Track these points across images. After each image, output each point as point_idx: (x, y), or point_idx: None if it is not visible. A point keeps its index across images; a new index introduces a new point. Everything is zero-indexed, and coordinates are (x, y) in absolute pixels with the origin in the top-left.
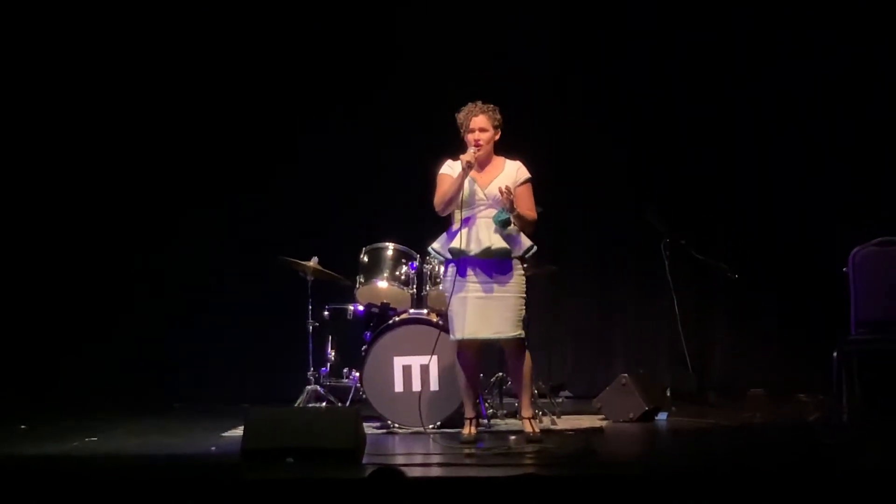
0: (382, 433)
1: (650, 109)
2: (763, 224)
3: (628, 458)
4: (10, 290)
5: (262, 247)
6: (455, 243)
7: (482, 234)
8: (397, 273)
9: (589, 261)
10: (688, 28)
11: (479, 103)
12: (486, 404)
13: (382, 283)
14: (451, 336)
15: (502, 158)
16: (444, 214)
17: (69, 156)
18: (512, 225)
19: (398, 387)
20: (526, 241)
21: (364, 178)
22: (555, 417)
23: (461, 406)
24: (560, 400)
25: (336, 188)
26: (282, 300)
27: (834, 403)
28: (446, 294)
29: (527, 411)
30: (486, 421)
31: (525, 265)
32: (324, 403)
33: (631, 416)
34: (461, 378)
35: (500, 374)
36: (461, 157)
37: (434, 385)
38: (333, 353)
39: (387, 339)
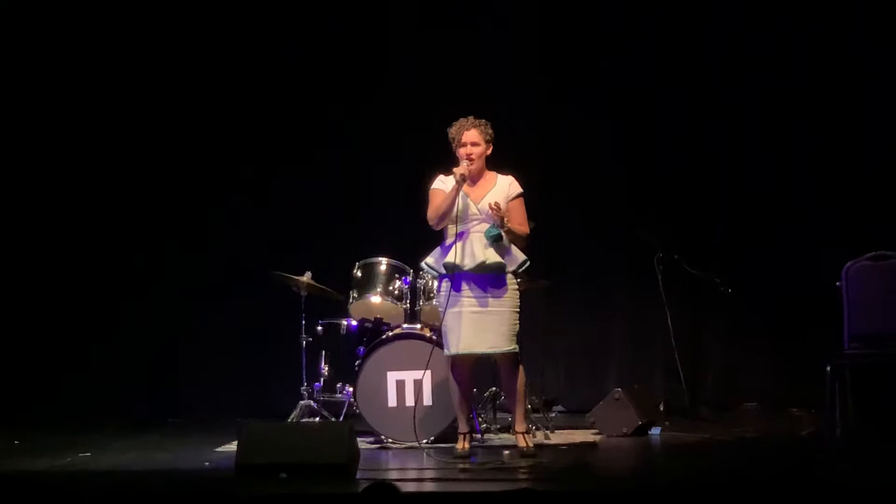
0: (376, 448)
1: (644, 124)
2: (756, 238)
3: (622, 473)
4: (3, 304)
5: (255, 262)
6: (449, 258)
7: (476, 249)
8: (391, 288)
9: (582, 275)
10: (682, 43)
11: (471, 118)
12: (480, 419)
13: (376, 298)
14: (446, 351)
15: (494, 173)
16: (438, 228)
17: (65, 169)
18: (504, 240)
19: (392, 402)
20: (520, 256)
21: (358, 192)
22: (548, 432)
23: (455, 421)
24: (553, 414)
25: (330, 203)
26: (275, 315)
27: (827, 418)
28: (440, 309)
29: (521, 426)
30: (479, 436)
31: (519, 280)
32: (317, 418)
33: (625, 430)
34: (455, 393)
35: (494, 388)
36: (454, 170)
37: (428, 400)
38: (327, 368)
39: (380, 354)
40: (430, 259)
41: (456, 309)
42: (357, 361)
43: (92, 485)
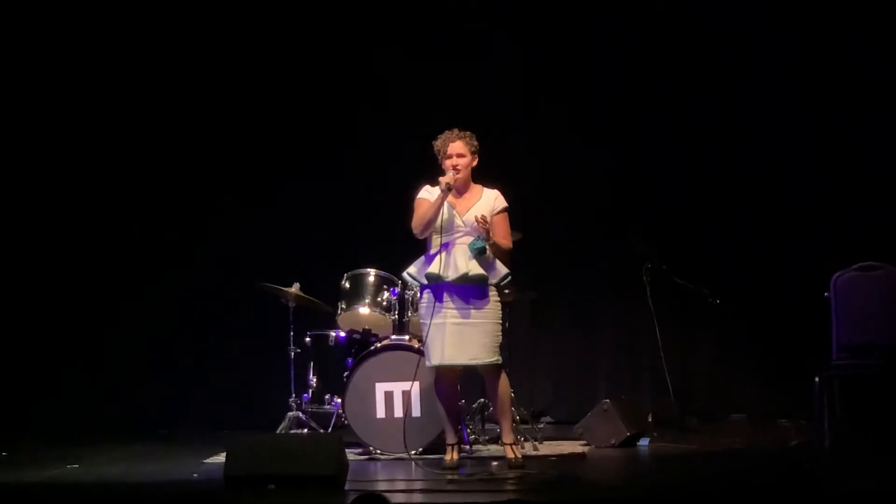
0: (364, 459)
1: (632, 136)
2: (744, 248)
3: (610, 484)
4: None
5: (244, 273)
6: (432, 269)
7: (459, 261)
8: (379, 299)
9: (570, 286)
10: (670, 55)
11: (456, 130)
12: (469, 430)
13: (364, 310)
14: (427, 362)
15: (480, 186)
16: (422, 237)
17: (57, 178)
18: (487, 253)
19: (380, 413)
20: (502, 269)
21: (346, 204)
22: (536, 443)
23: (443, 432)
24: (542, 425)
25: (318, 214)
26: (263, 326)
27: (816, 428)
28: (422, 321)
29: (508, 437)
30: (468, 447)
31: (507, 290)
32: (306, 430)
33: (613, 441)
34: (440, 404)
35: (483, 400)
36: (440, 179)
37: (416, 411)
38: (315, 380)
39: (369, 366)
40: (412, 269)
41: (439, 320)
42: (345, 373)
43: (80, 497)
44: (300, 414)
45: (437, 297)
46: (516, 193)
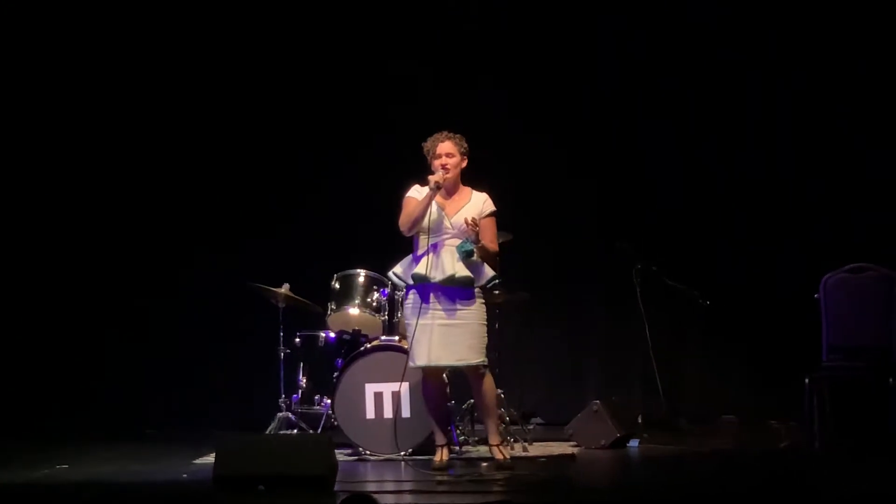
0: (354, 460)
1: (620, 137)
2: (734, 250)
3: (600, 486)
4: None
5: (233, 273)
6: (419, 269)
7: (446, 262)
8: (369, 300)
9: (560, 287)
10: (670, 55)
11: (445, 132)
12: (458, 431)
13: (354, 310)
14: (412, 363)
15: (469, 189)
16: (409, 234)
17: (51, 182)
18: (475, 256)
19: (370, 413)
20: (489, 272)
21: (335, 204)
22: (526, 444)
23: (433, 433)
24: (531, 427)
25: (307, 214)
26: (253, 327)
27: (806, 430)
28: (407, 321)
29: (494, 438)
30: (457, 448)
31: (496, 291)
32: (295, 430)
33: (602, 442)
34: (427, 405)
35: (472, 400)
36: (429, 177)
37: (406, 412)
38: (305, 380)
39: (358, 366)
40: (398, 268)
41: (425, 321)
42: (335, 373)
43: (69, 497)
44: (290, 414)
45: (423, 298)
46: (507, 194)
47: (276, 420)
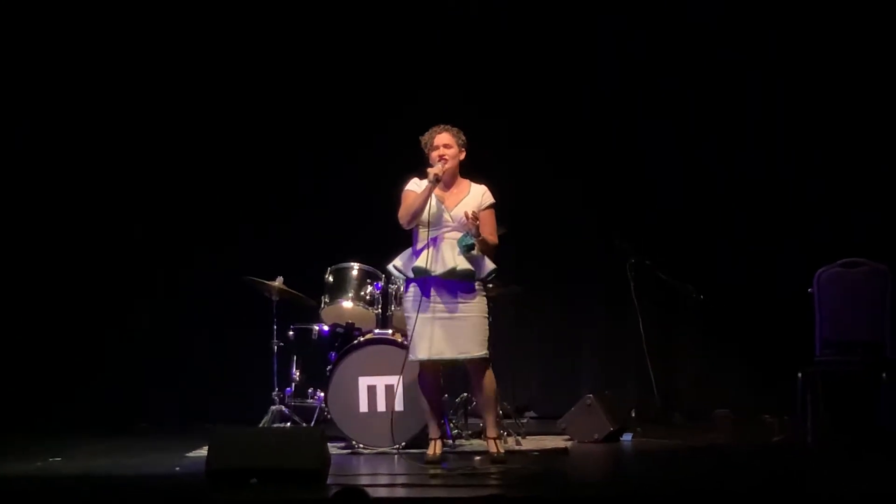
0: (347, 453)
1: (620, 137)
2: (728, 244)
3: (593, 479)
4: None
5: (227, 266)
6: (420, 263)
7: (447, 256)
8: (362, 293)
9: (554, 281)
10: (670, 55)
11: (443, 125)
12: (451, 424)
13: (347, 303)
14: (413, 356)
15: (468, 181)
16: (409, 227)
17: (50, 180)
18: (476, 250)
19: (363, 407)
20: (489, 264)
21: (330, 197)
22: (519, 438)
23: (426, 426)
24: (525, 420)
25: (301, 208)
26: (247, 320)
27: (799, 424)
28: (407, 315)
29: (492, 431)
30: (450, 441)
31: (490, 285)
32: (288, 424)
33: (596, 436)
34: (424, 398)
35: (466, 394)
36: (428, 170)
37: (399, 405)
38: (298, 374)
39: (352, 360)
40: (397, 262)
41: (426, 315)
42: (328, 367)
43: (62, 490)
44: (283, 408)
45: (424, 292)
46: (505, 191)
47: (270, 413)
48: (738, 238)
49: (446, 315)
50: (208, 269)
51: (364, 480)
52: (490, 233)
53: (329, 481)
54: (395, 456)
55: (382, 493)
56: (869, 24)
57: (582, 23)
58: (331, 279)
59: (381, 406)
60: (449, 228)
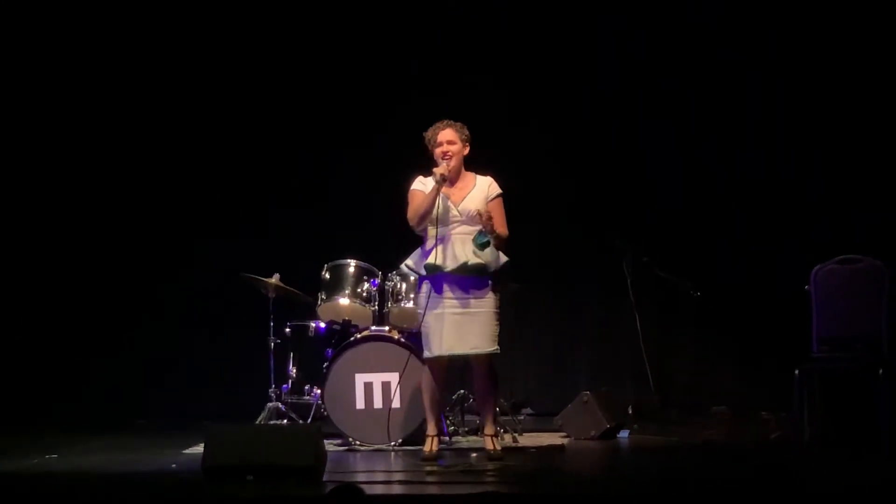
0: (343, 450)
1: (620, 137)
2: (728, 244)
3: (589, 476)
4: None
5: (224, 263)
6: (431, 259)
7: (458, 251)
8: (359, 290)
9: (551, 278)
10: (670, 55)
11: (446, 120)
12: (448, 421)
13: (344, 300)
14: (427, 353)
15: (473, 174)
16: (419, 229)
17: (49, 178)
18: (491, 247)
19: (360, 404)
20: (501, 257)
21: (327, 194)
22: (516, 435)
23: (423, 423)
24: (522, 417)
25: (298, 205)
26: (243, 317)
27: (796, 421)
28: (419, 311)
29: (490, 428)
30: (447, 438)
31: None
32: (285, 420)
33: (592, 433)
34: (428, 395)
35: (462, 391)
36: (434, 170)
37: (396, 402)
38: (295, 370)
39: (348, 357)
40: (409, 261)
41: (438, 311)
42: (325, 363)
43: (58, 487)
44: (280, 405)
45: (436, 288)
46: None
47: (266, 410)
48: (738, 238)
49: (458, 311)
50: (206, 267)
51: (360, 477)
52: (501, 224)
53: (325, 478)
54: (392, 453)
55: (379, 489)
56: (869, 25)
57: (582, 23)
58: (327, 276)
59: (378, 403)
60: (457, 223)
